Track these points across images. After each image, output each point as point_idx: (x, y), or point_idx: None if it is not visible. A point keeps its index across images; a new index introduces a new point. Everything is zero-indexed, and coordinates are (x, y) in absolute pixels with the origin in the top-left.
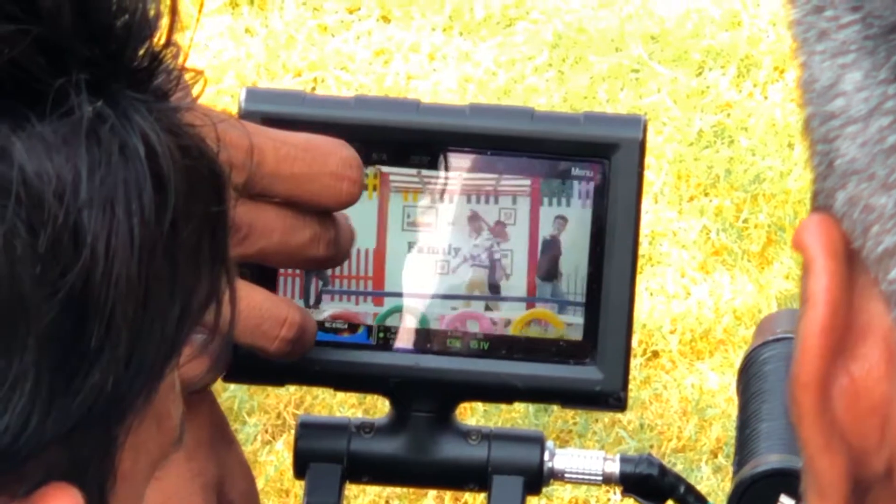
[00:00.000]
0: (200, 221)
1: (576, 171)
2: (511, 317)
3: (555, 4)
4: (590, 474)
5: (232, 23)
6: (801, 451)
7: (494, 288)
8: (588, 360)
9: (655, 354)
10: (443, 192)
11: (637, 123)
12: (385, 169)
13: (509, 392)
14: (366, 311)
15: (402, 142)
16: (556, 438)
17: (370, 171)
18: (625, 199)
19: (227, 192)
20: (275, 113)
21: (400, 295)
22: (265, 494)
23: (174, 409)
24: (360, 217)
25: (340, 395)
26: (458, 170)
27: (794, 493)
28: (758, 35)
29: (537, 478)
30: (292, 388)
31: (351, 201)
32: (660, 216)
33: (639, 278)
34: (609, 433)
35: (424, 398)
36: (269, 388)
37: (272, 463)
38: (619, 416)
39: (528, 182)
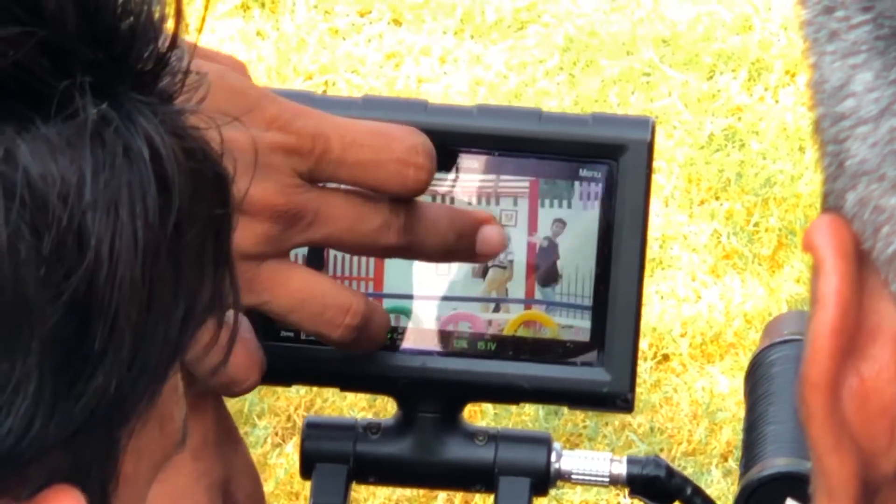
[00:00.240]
0: (204, 224)
1: (583, 173)
2: (507, 318)
3: (566, 8)
4: (597, 476)
5: (243, 26)
6: (811, 451)
7: (498, 289)
8: (595, 361)
9: (666, 358)
10: (446, 193)
11: (645, 125)
12: None
13: (516, 393)
14: None
15: None
16: (565, 441)
17: None
18: (633, 201)
19: (231, 195)
20: None
21: (400, 296)
22: (275, 497)
23: (177, 411)
24: None
25: (350, 397)
26: (464, 171)
27: (800, 497)
28: (769, 39)
29: (544, 479)
30: (302, 391)
31: (419, 188)
32: (670, 220)
33: (649, 282)
34: (619, 436)
35: (431, 399)
36: (280, 391)
37: (282, 465)
38: (629, 419)
39: (528, 183)
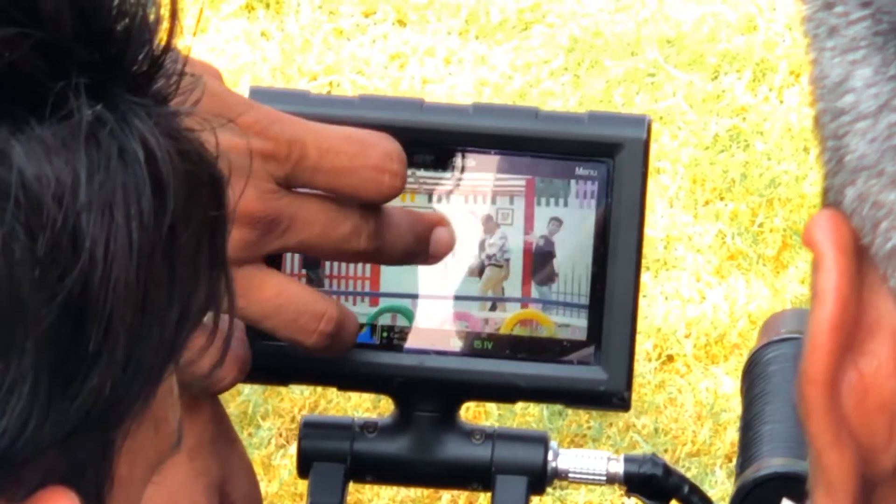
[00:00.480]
0: (199, 225)
1: (580, 171)
2: (503, 317)
3: (571, 8)
4: (594, 474)
5: (248, 26)
6: (809, 447)
7: (494, 288)
8: (592, 360)
9: (670, 358)
10: (445, 192)
11: (641, 123)
12: None
13: (513, 392)
14: (360, 311)
15: (406, 141)
16: (569, 442)
17: None
18: (629, 199)
19: (227, 197)
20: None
21: (397, 296)
22: (279, 498)
23: (172, 413)
24: None
25: (354, 398)
26: (461, 169)
27: (796, 497)
28: (774, 39)
29: (541, 478)
30: (306, 392)
31: (393, 194)
32: (675, 220)
33: (654, 283)
34: (623, 437)
35: (428, 398)
36: (284, 392)
37: (286, 467)
38: (633, 420)
39: (525, 181)
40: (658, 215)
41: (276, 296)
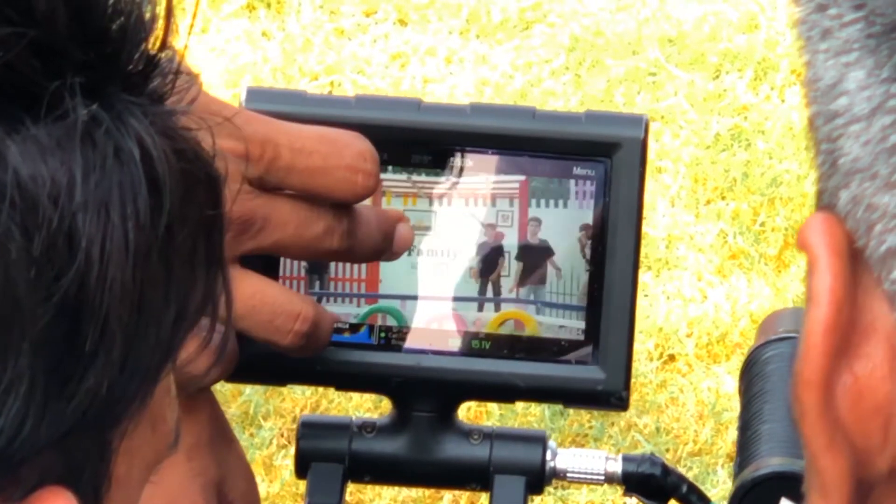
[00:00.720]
0: (196, 225)
1: (577, 171)
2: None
3: (572, 7)
4: (592, 474)
5: (249, 26)
6: (804, 449)
7: (491, 289)
8: (590, 359)
9: (672, 358)
10: (442, 193)
11: (639, 122)
12: (381, 174)
13: (511, 391)
14: (360, 311)
15: (403, 141)
16: (571, 442)
17: None
18: (626, 199)
19: (223, 196)
20: (276, 112)
21: (395, 296)
22: (281, 499)
23: (169, 412)
24: None
25: (356, 398)
26: (459, 170)
27: (795, 497)
28: (775, 38)
29: (539, 477)
30: (308, 392)
31: (366, 194)
32: (676, 220)
33: (655, 282)
34: (625, 437)
35: (426, 398)
36: (286, 392)
37: (287, 467)
38: (634, 419)
39: (521, 182)
40: (660, 214)
41: (250, 296)
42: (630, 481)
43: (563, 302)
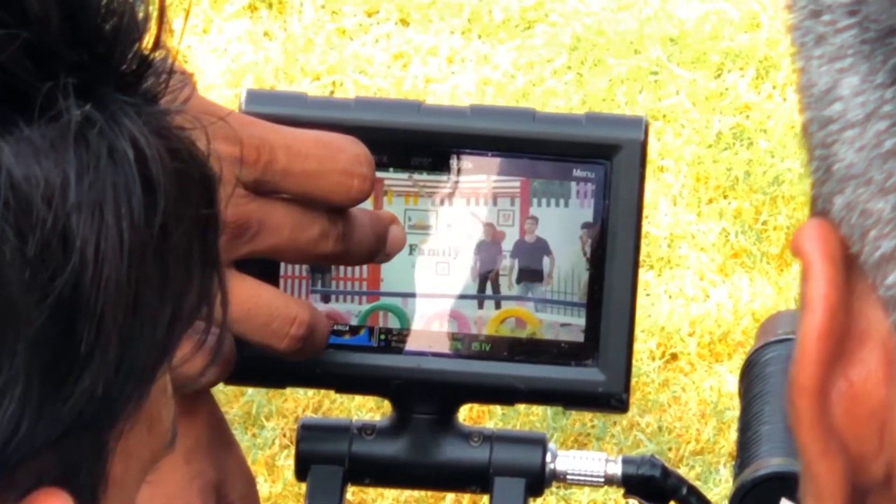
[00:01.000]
0: (191, 224)
1: (577, 173)
2: (490, 315)
3: (573, 7)
4: (592, 476)
5: (250, 26)
6: (799, 455)
7: (490, 288)
8: (590, 361)
9: (674, 357)
10: (443, 194)
11: (639, 124)
12: (382, 174)
13: (511, 394)
14: (359, 311)
15: (403, 143)
16: (573, 442)
17: None
18: (626, 201)
19: (218, 195)
20: (275, 115)
21: (395, 296)
22: (283, 499)
23: (165, 413)
24: None
25: (358, 398)
26: (459, 171)
27: (795, 497)
28: (777, 37)
29: (539, 479)
30: (310, 392)
31: (361, 198)
32: (678, 218)
33: (658, 281)
34: (627, 436)
35: (426, 400)
36: (287, 393)
37: (290, 467)
38: (637, 418)
39: (522, 183)
40: (661, 213)
41: (246, 300)
42: (630, 483)
43: (563, 300)
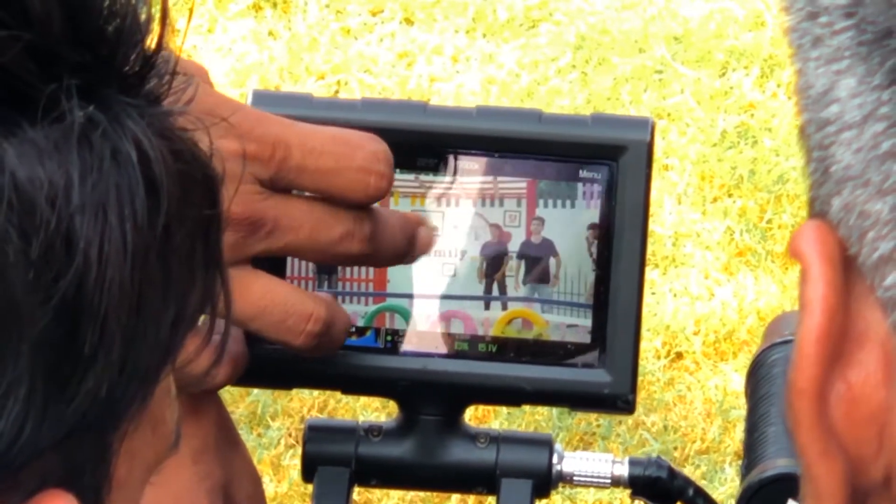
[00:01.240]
0: (194, 225)
1: (583, 174)
2: (497, 316)
3: (578, 6)
4: (598, 477)
5: (255, 26)
6: (799, 457)
7: (497, 289)
8: (596, 362)
9: (679, 356)
10: (449, 195)
11: (645, 125)
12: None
13: (517, 395)
14: (366, 312)
15: (409, 144)
16: (579, 441)
17: None
18: (632, 202)
19: (221, 196)
20: (281, 115)
21: (402, 297)
22: (289, 498)
23: (169, 413)
24: None
25: (364, 399)
26: (465, 172)
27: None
28: (781, 35)
29: (546, 481)
30: (316, 392)
31: (378, 195)
32: (683, 217)
33: (663, 280)
34: (633, 435)
35: (432, 401)
36: (293, 392)
37: (295, 467)
38: (642, 418)
39: (528, 184)
40: (666, 212)
41: (261, 297)
42: (637, 484)
43: (569, 301)
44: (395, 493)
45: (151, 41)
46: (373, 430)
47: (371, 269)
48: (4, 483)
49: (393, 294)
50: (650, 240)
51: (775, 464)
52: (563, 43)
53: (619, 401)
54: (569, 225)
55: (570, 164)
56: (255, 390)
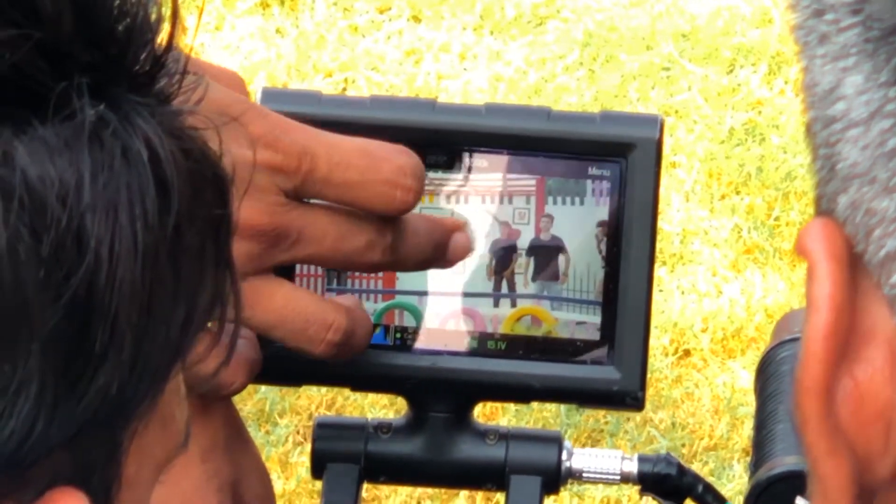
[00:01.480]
0: (204, 224)
1: (592, 171)
2: (506, 313)
3: (585, 3)
4: (608, 474)
5: (263, 23)
6: (806, 455)
7: (506, 286)
8: (605, 359)
9: (687, 353)
10: (458, 192)
11: (654, 123)
12: None
13: (526, 392)
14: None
15: (418, 142)
16: (587, 438)
17: None
18: (641, 199)
19: (231, 195)
20: (291, 114)
21: (411, 295)
22: (297, 496)
23: (179, 412)
24: None
25: (372, 396)
26: (474, 170)
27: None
28: (788, 32)
29: (555, 477)
30: (324, 389)
31: (405, 209)
32: (691, 214)
33: (670, 277)
34: (640, 432)
35: (441, 398)
36: (301, 390)
37: (303, 464)
38: (650, 415)
39: (537, 181)
40: (674, 209)
41: (283, 306)
42: (646, 481)
43: (578, 298)
44: (403, 490)
45: (162, 40)
46: (382, 427)
47: None
48: (15, 481)
49: (402, 291)
50: (658, 237)
51: (784, 461)
52: (571, 40)
53: (628, 398)
54: (578, 222)
55: (579, 162)
56: (263, 388)
